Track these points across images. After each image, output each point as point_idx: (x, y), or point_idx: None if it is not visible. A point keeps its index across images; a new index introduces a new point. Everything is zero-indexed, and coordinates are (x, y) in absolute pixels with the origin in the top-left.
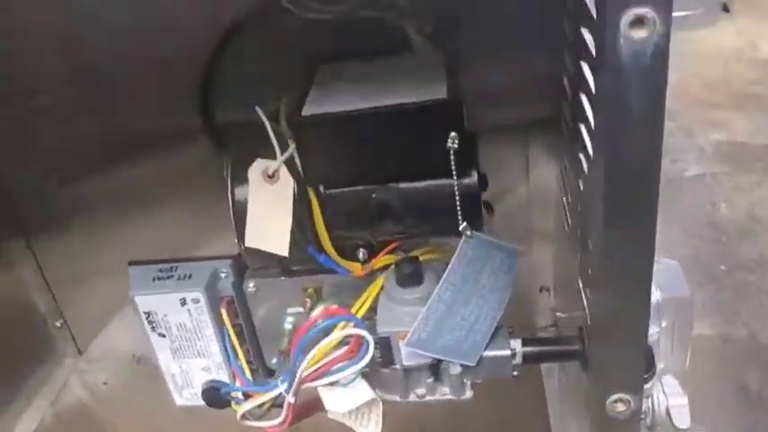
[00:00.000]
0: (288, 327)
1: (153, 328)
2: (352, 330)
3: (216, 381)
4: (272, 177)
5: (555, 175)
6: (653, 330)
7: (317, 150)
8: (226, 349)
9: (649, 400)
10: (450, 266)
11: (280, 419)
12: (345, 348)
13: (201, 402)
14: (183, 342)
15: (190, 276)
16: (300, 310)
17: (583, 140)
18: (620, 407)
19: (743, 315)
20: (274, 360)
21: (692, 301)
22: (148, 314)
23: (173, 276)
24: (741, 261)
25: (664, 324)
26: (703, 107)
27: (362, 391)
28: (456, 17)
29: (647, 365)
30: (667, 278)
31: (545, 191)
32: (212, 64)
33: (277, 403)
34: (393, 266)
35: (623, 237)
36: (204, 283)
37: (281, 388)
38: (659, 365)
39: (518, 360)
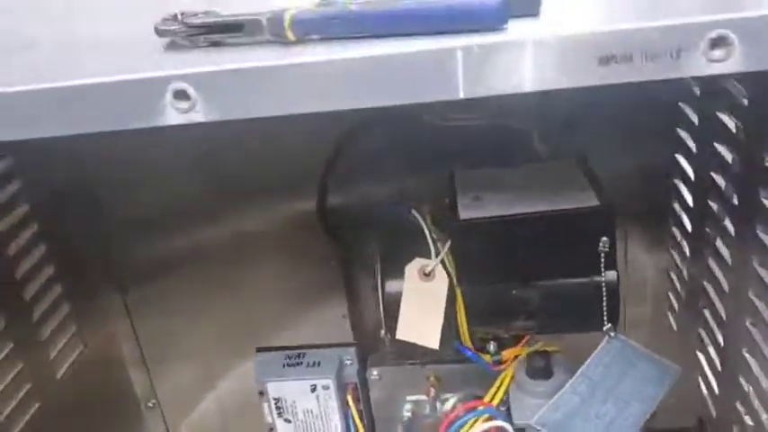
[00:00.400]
0: (407, 414)
1: (280, 413)
2: (494, 423)
3: None
4: (427, 275)
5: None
6: None
7: (471, 251)
8: None
9: None
10: (588, 361)
11: None
12: None
13: None
14: (308, 428)
15: (319, 364)
16: (422, 397)
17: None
18: None
19: None
20: None
21: None
22: (277, 400)
23: (301, 363)
24: None
25: None
26: None
27: None
28: (575, 123)
29: None
30: None
31: (640, 281)
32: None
33: None
34: (524, 358)
35: None
36: (335, 370)
37: None
38: None
39: None
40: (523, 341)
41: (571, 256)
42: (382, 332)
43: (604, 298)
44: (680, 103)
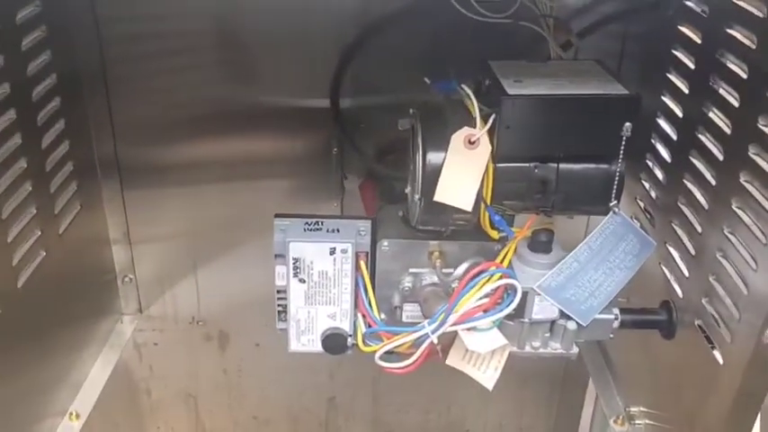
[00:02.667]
0: (407, 285)
1: (296, 273)
2: (507, 281)
3: (339, 328)
4: (472, 144)
5: None
6: None
7: (515, 125)
8: (357, 298)
9: None
10: (593, 233)
11: (413, 359)
12: (489, 299)
13: (315, 348)
14: (320, 289)
15: (338, 230)
16: (423, 270)
17: None
18: None
19: None
20: (383, 315)
21: None
22: (296, 260)
23: (321, 229)
24: None
25: None
26: None
27: (497, 337)
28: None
29: None
30: None
31: None
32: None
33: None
34: (525, 237)
35: None
36: (354, 236)
37: (428, 329)
38: None
39: (616, 325)
40: (529, 222)
41: (599, 137)
42: (417, 196)
43: (616, 180)
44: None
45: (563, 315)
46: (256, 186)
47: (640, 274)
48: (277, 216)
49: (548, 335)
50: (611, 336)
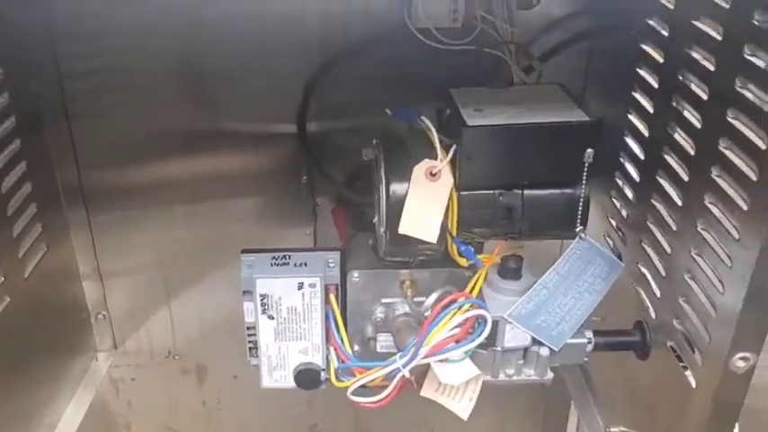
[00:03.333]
0: (379, 315)
1: (264, 310)
2: (477, 311)
3: (312, 363)
4: (434, 176)
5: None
6: None
7: (475, 155)
8: (328, 332)
9: None
10: (560, 259)
11: (385, 394)
12: (461, 329)
13: (288, 384)
14: (290, 324)
15: (305, 264)
16: (395, 299)
17: None
18: (742, 363)
19: None
20: (356, 347)
21: None
22: (264, 296)
23: (288, 264)
24: None
25: None
26: None
27: (470, 368)
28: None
29: None
30: None
31: None
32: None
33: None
34: (495, 263)
35: None
36: (322, 270)
37: (399, 363)
38: None
39: (590, 348)
40: (497, 249)
41: (561, 164)
42: (382, 229)
43: (580, 206)
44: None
45: (535, 341)
46: (226, 213)
47: (616, 294)
48: (244, 252)
49: (521, 362)
50: (586, 359)
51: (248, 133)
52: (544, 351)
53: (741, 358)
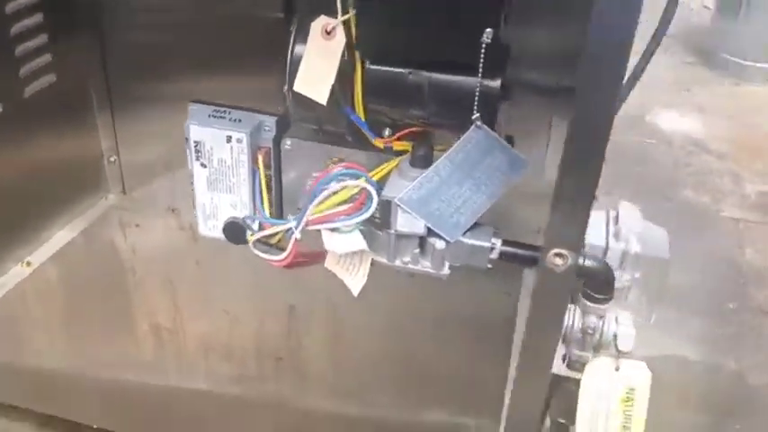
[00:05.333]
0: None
1: (197, 157)
2: (363, 184)
3: (242, 216)
4: (329, 34)
5: None
6: (625, 277)
7: (373, 21)
8: (254, 190)
9: (601, 322)
10: (454, 146)
11: (284, 254)
12: (352, 204)
13: (221, 236)
14: (220, 176)
15: (240, 120)
16: None
17: None
18: (559, 261)
19: (737, 353)
20: (290, 217)
21: (668, 268)
22: (197, 143)
23: (225, 117)
24: (753, 304)
25: (636, 275)
26: (760, 157)
27: (357, 241)
28: None
29: (606, 289)
30: (652, 239)
31: None
32: None
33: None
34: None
35: None
36: (250, 128)
37: (291, 224)
38: (626, 313)
39: (494, 255)
40: (410, 129)
41: (460, 46)
42: (285, 88)
43: (477, 94)
44: None
45: (432, 233)
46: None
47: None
48: (192, 102)
49: (417, 251)
50: (489, 266)
51: None
52: (440, 244)
53: (557, 254)
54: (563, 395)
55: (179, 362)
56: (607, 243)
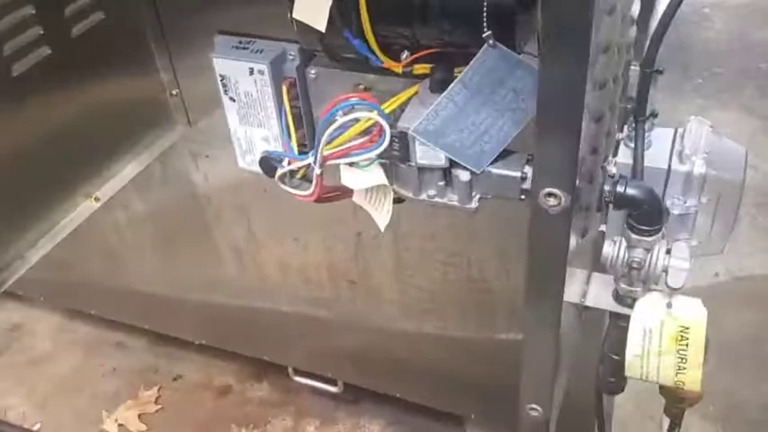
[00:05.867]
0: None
1: (225, 91)
2: (374, 117)
3: (271, 151)
4: None
5: None
6: (691, 203)
7: None
8: (282, 124)
9: (649, 254)
10: (466, 69)
11: (309, 191)
12: (368, 137)
13: (259, 170)
14: (249, 110)
15: (261, 51)
16: None
17: None
18: (552, 201)
19: None
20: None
21: (741, 191)
22: (223, 77)
23: (247, 48)
24: None
25: (704, 200)
26: None
27: (377, 176)
28: None
29: (652, 220)
30: (724, 159)
31: None
32: None
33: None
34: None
35: None
36: (270, 58)
37: (310, 159)
38: (692, 241)
39: (527, 185)
40: (429, 51)
41: None
42: (289, 15)
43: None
44: None
45: (455, 164)
46: None
47: None
48: (219, 32)
49: (442, 183)
50: (522, 197)
51: None
52: (464, 175)
53: (548, 194)
54: (615, 331)
55: (262, 284)
56: (669, 165)
